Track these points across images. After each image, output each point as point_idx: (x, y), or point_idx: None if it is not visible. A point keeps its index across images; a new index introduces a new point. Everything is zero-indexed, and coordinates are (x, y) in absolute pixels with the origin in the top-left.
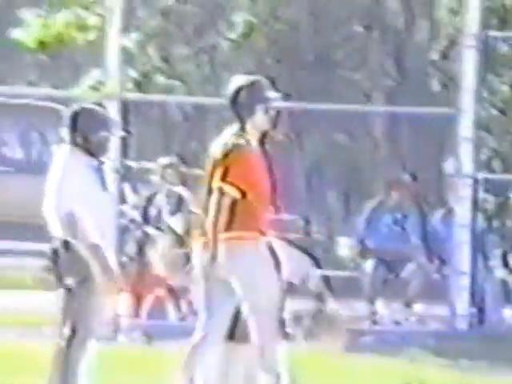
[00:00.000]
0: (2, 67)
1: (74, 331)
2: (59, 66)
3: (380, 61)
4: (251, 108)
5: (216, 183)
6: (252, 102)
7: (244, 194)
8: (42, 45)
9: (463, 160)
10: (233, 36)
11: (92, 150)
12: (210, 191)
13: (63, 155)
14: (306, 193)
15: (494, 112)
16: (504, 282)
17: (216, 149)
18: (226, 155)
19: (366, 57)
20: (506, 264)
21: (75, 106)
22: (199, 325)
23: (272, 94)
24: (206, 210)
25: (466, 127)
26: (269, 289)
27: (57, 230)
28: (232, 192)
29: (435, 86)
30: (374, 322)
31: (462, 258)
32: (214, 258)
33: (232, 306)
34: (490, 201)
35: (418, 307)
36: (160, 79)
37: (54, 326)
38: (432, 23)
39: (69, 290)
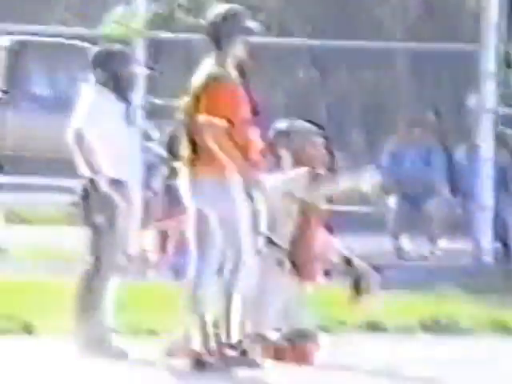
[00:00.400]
0: (31, 7)
1: (97, 265)
2: (88, 4)
3: None
4: (231, 37)
5: (203, 116)
6: (232, 31)
7: (232, 124)
8: None
9: (486, 95)
10: None
11: (117, 87)
12: (190, 122)
13: (89, 92)
14: (331, 129)
15: None
16: None
17: (196, 80)
18: (206, 86)
19: None
20: None
21: (101, 45)
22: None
23: (252, 23)
24: (186, 139)
25: (488, 63)
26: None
27: (82, 167)
28: (220, 123)
29: (458, 21)
30: (400, 257)
31: (485, 192)
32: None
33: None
34: (511, 135)
35: (443, 242)
36: (185, 17)
37: (81, 260)
38: None
39: (96, 226)
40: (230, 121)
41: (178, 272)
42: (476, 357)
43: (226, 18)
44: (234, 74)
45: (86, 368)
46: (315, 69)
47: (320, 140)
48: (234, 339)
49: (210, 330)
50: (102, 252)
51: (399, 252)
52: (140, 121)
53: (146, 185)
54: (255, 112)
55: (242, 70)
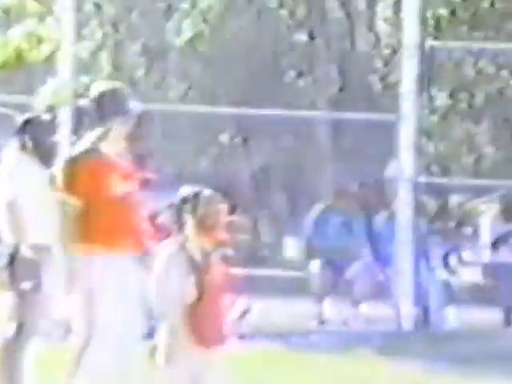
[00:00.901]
0: None
1: (20, 329)
2: (15, 75)
3: (324, 69)
4: (111, 114)
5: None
6: (112, 108)
7: (88, 202)
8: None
9: (404, 164)
10: (181, 43)
11: (42, 154)
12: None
13: (12, 159)
14: (254, 195)
15: (434, 119)
16: (446, 283)
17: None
18: (69, 162)
19: (310, 65)
20: (447, 265)
21: (27, 113)
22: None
23: (133, 103)
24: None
25: (407, 133)
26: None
27: (6, 234)
28: (72, 201)
29: (377, 93)
30: (322, 322)
31: (404, 258)
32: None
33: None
34: (430, 203)
35: (365, 307)
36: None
37: (4, 325)
38: (374, 32)
39: (20, 291)
40: (90, 198)
41: None
42: None
43: (107, 95)
44: (116, 149)
45: None
46: (239, 136)
47: (224, 206)
48: None
49: None
50: (26, 316)
51: (321, 316)
52: None
53: None
54: (145, 184)
55: (133, 146)
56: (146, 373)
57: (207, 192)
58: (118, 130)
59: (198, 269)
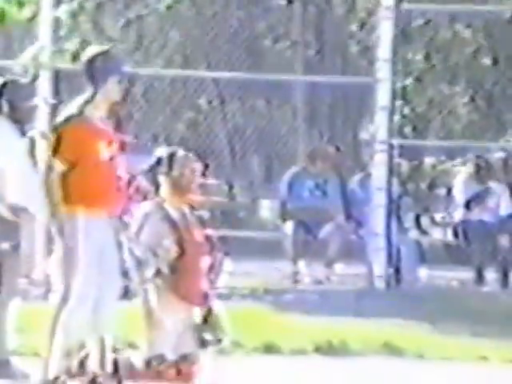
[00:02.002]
0: None
1: None
2: None
3: (301, 32)
4: (104, 77)
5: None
6: (105, 71)
7: (73, 166)
8: None
9: (379, 127)
10: (160, 7)
11: (18, 118)
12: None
13: None
14: (230, 158)
15: (409, 81)
16: (418, 243)
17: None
18: (56, 127)
19: (287, 28)
20: (419, 226)
21: (3, 77)
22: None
23: (125, 66)
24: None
25: (382, 96)
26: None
27: None
28: (58, 164)
29: (353, 56)
30: (296, 282)
31: (378, 219)
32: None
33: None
34: (404, 165)
35: (338, 267)
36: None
37: None
38: None
39: None
40: (75, 162)
41: None
42: (367, 378)
43: (100, 58)
44: (100, 113)
45: None
46: (216, 100)
47: (198, 166)
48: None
49: (109, 352)
50: (5, 276)
51: (295, 276)
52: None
53: None
54: (123, 148)
55: (112, 110)
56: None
57: (181, 153)
58: (108, 93)
59: (176, 227)
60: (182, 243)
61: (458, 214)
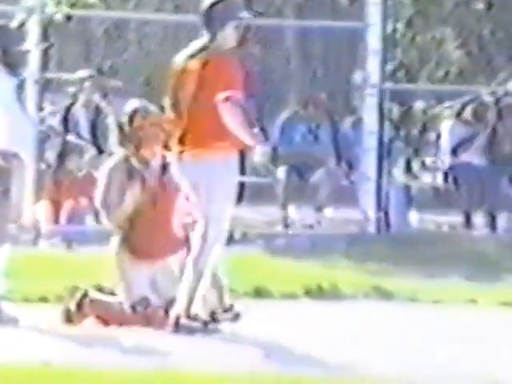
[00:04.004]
0: None
1: None
2: None
3: None
4: (222, 23)
5: (218, 95)
6: (223, 17)
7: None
8: None
9: (371, 71)
10: None
11: (8, 62)
12: (176, 103)
13: None
14: None
15: (400, 25)
16: (408, 187)
17: (186, 59)
18: (204, 65)
19: None
20: (409, 170)
21: None
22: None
23: (244, 12)
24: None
25: (373, 40)
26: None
27: None
28: (239, 95)
29: (344, 0)
30: (287, 226)
31: (369, 164)
32: None
33: None
34: (395, 110)
35: (329, 211)
36: None
37: None
38: None
39: None
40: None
41: (70, 242)
42: (358, 321)
43: (219, 4)
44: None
45: None
46: None
47: (161, 119)
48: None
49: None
50: None
51: (286, 221)
52: (34, 94)
53: (40, 157)
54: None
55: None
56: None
57: (145, 107)
58: (225, 38)
59: (143, 179)
60: (149, 194)
61: (447, 159)
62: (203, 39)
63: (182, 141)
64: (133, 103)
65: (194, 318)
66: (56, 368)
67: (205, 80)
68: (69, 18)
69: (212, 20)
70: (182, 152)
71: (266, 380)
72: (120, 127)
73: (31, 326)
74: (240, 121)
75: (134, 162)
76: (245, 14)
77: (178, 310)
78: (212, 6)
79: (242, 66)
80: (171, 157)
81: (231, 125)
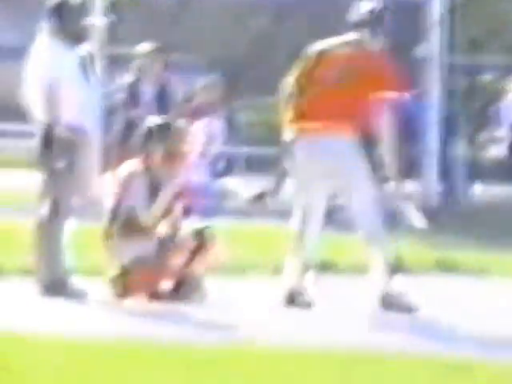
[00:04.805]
0: None
1: (55, 209)
2: None
3: None
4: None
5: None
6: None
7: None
8: None
9: (434, 44)
10: None
11: (72, 36)
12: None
13: (43, 41)
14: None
15: None
16: (473, 160)
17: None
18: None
19: None
20: (474, 142)
21: None
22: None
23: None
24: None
25: (438, 12)
26: None
27: (40, 114)
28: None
29: None
30: None
31: (433, 137)
32: None
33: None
34: (460, 82)
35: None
36: None
37: (41, 204)
38: None
39: (55, 170)
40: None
41: None
42: (424, 295)
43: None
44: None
45: (47, 307)
46: (276, 17)
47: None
48: None
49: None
50: (61, 195)
51: None
52: (100, 68)
53: (106, 130)
54: None
55: None
56: None
57: (175, 124)
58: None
59: (156, 192)
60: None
61: None
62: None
63: (300, 117)
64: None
65: (401, 295)
66: (124, 342)
67: (361, 69)
68: None
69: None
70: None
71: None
72: (147, 140)
73: (100, 300)
74: (390, 124)
75: (157, 172)
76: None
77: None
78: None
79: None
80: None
81: (384, 123)
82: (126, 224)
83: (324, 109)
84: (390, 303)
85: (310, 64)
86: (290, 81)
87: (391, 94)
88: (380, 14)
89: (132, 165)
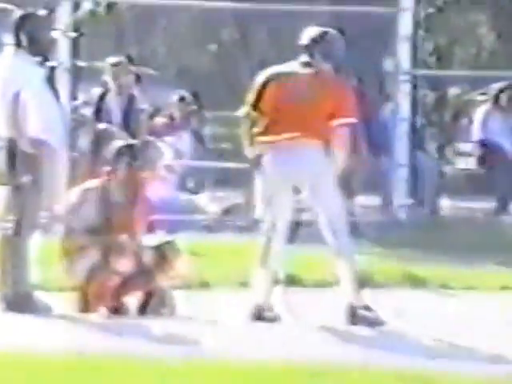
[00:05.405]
0: None
1: (20, 224)
2: None
3: None
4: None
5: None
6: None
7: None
8: None
9: (402, 57)
10: None
11: (37, 50)
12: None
13: (8, 55)
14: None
15: (432, 10)
16: (440, 174)
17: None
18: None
19: None
20: (442, 155)
21: (24, 9)
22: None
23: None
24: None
25: (405, 26)
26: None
27: (4, 129)
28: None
29: None
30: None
31: (402, 150)
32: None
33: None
34: (428, 96)
35: (360, 198)
36: None
37: (4, 219)
38: None
39: (19, 185)
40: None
41: None
42: (390, 309)
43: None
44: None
45: (10, 323)
46: (238, 31)
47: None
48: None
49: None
50: (25, 211)
51: None
52: (65, 82)
53: (72, 145)
54: None
55: None
56: None
57: (141, 139)
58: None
59: (110, 209)
60: (111, 223)
61: (480, 145)
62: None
63: (264, 133)
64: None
65: (368, 308)
66: (88, 357)
67: (317, 88)
68: (98, 4)
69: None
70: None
71: None
72: (116, 160)
73: (64, 315)
74: (347, 147)
75: (116, 188)
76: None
77: (349, 300)
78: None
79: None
80: None
81: (339, 146)
82: (79, 239)
83: (288, 124)
84: (356, 317)
85: (265, 88)
86: (248, 103)
87: (346, 119)
88: (331, 38)
89: (91, 182)
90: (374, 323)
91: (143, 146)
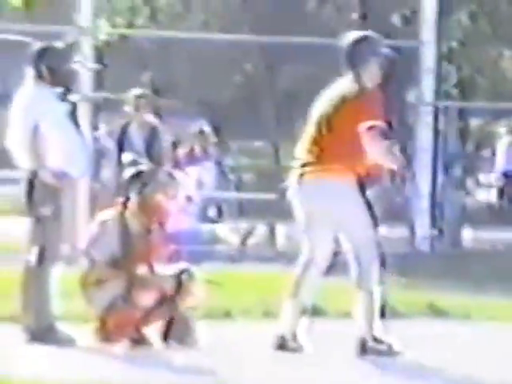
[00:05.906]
0: None
1: (42, 255)
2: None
3: None
4: (365, 60)
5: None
6: (365, 54)
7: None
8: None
9: (425, 89)
10: None
11: (58, 82)
12: (329, 129)
13: (28, 87)
14: (277, 122)
15: (454, 43)
16: (462, 204)
17: (336, 93)
18: (356, 96)
19: None
20: (464, 186)
21: (43, 41)
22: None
23: (385, 49)
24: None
25: (427, 58)
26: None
27: (24, 161)
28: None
29: (398, 20)
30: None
31: (424, 180)
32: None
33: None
34: (450, 127)
35: (381, 229)
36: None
37: (26, 251)
38: None
39: (40, 217)
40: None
41: None
42: (412, 340)
43: (360, 42)
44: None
45: (33, 354)
46: (263, 64)
47: (176, 189)
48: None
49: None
50: (47, 242)
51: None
52: (88, 114)
53: (94, 176)
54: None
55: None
56: None
57: (159, 170)
58: (370, 75)
59: (129, 241)
60: (130, 258)
61: (502, 176)
62: (348, 79)
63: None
64: (141, 167)
65: (380, 341)
66: None
67: (343, 111)
68: (122, 38)
69: (354, 58)
70: (302, 175)
71: None
72: (126, 189)
73: (87, 346)
74: (384, 147)
75: (132, 220)
76: (385, 50)
77: (361, 333)
78: (354, 43)
79: (380, 96)
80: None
81: (375, 151)
82: (97, 272)
83: (323, 152)
84: (365, 349)
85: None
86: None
87: (377, 122)
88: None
89: (107, 213)
90: (385, 355)
91: (153, 171)
